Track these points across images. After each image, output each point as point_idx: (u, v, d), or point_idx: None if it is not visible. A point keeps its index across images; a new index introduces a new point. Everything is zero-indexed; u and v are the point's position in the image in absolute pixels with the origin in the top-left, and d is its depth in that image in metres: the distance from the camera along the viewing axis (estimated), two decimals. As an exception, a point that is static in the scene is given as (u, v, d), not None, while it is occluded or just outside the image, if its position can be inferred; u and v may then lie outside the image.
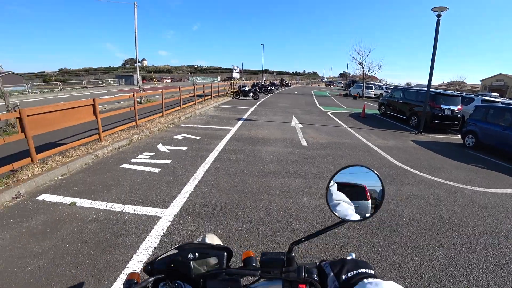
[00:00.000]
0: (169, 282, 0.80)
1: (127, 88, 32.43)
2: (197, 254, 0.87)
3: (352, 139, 9.18)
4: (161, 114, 10.56)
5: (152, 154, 6.11)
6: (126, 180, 4.62)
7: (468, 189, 5.24)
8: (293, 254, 0.78)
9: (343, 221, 0.80)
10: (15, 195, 4.01)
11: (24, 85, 32.38)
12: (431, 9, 10.25)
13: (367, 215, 0.83)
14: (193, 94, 15.25)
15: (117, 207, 3.70)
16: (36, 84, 46.71)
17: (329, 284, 0.68)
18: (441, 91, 12.77)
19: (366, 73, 32.48)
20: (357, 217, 0.82)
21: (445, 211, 4.22)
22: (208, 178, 4.87)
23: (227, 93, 22.51)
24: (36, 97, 22.17)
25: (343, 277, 0.66)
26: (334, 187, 0.88)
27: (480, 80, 62.05)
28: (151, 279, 0.80)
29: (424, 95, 12.57)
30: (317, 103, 21.97)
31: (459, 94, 13.20)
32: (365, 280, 0.61)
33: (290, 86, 53.26)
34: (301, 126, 10.84)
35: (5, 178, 4.27)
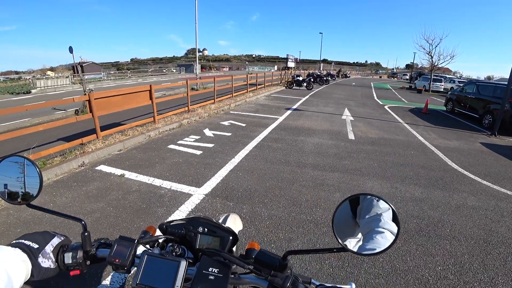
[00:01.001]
0: (176, 245, 0.89)
1: (187, 76, 34.58)
2: (206, 230, 0.95)
3: (407, 136, 8.46)
4: (212, 101, 11.04)
5: (198, 137, 6.48)
6: (169, 159, 5.01)
7: (541, 203, 4.46)
8: (287, 261, 0.78)
9: (343, 248, 0.73)
10: (80, 164, 4.68)
11: (101, 73, 37.05)
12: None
13: (374, 251, 0.71)
14: (245, 83, 15.56)
15: (157, 182, 4.06)
16: (112, 72, 52.48)
17: None
18: None
19: (435, 64, 29.00)
20: (361, 249, 0.73)
21: (505, 229, 3.58)
22: (244, 164, 5.01)
23: (280, 83, 22.43)
24: (110, 83, 25.11)
25: None
26: (343, 210, 0.79)
27: None
28: (162, 237, 0.90)
29: (503, 90, 10.95)
30: (375, 95, 20.58)
31: None
32: None
33: (349, 77, 50.73)
34: (352, 118, 10.33)
35: (75, 150, 5.00)
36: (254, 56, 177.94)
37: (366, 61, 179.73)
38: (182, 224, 0.97)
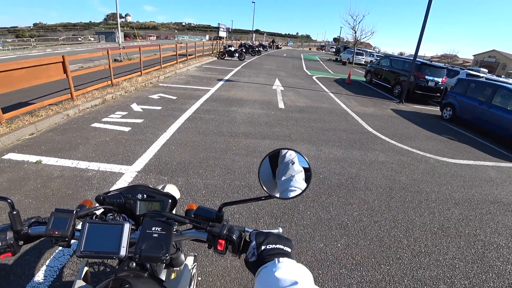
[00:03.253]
0: (116, 214, 0.91)
1: (108, 46, 30.83)
2: (145, 196, 0.99)
3: (332, 104, 9.28)
4: (139, 73, 10.28)
5: (124, 113, 6.09)
6: (94, 139, 4.66)
7: (432, 158, 5.49)
8: (222, 213, 0.86)
9: (270, 196, 0.84)
10: (-20, 153, 4.01)
11: (-5, 40, 30.24)
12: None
13: (292, 194, 0.85)
14: (175, 53, 14.74)
15: (83, 164, 3.78)
16: (9, 40, 43.64)
17: (249, 250, 0.74)
18: (428, 61, 12.66)
19: (358, 39, 31.62)
20: (284, 194, 0.86)
21: (405, 177, 4.44)
22: (176, 137, 4.96)
23: (212, 53, 21.83)
24: (7, 54, 20.94)
25: (262, 247, 0.72)
26: (266, 165, 0.92)
27: (473, 55, 61.49)
28: (100, 207, 0.91)
29: (409, 64, 12.47)
30: (304, 67, 21.67)
31: (445, 66, 13.17)
32: (280, 259, 0.67)
33: (281, 48, 51.76)
34: (282, 88, 10.82)
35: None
36: (184, 24, 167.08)
37: (297, 33, 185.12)
38: (120, 193, 0.99)
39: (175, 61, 14.36)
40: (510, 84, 9.42)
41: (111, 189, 1.06)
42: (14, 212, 0.75)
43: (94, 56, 13.09)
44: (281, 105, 8.18)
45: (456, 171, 5.01)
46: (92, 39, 43.22)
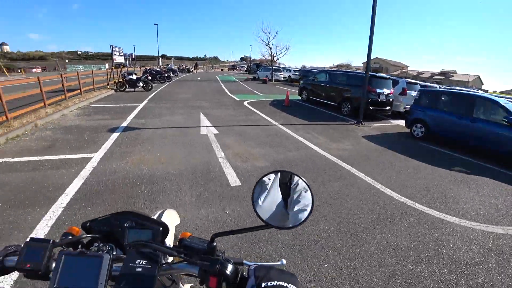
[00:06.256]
0: (101, 244, 0.79)
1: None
2: (134, 223, 0.90)
3: (298, 148, 6.16)
4: None
5: None
6: None
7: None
8: (214, 244, 0.78)
9: (267, 225, 0.76)
10: None
11: None
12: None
13: (291, 224, 0.76)
14: (53, 88, 9.69)
15: None
16: None
17: (248, 286, 0.68)
18: (374, 73, 11.12)
19: (274, 55, 30.49)
20: (282, 223, 0.77)
21: None
22: None
23: (108, 85, 16.69)
24: None
25: (263, 284, 0.65)
26: (262, 188, 0.82)
27: (362, 63, 71.52)
28: (86, 236, 0.83)
29: (355, 78, 11.06)
30: (226, 90, 18.50)
31: (389, 77, 11.82)
32: None
33: (192, 71, 48.00)
34: (216, 131, 7.20)
35: None
36: (80, 53, 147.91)
37: (205, 56, 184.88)
38: (108, 219, 0.91)
39: (42, 103, 9.35)
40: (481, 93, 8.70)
41: (98, 217, 0.89)
42: None
43: None
44: (230, 175, 4.54)
45: None
46: None
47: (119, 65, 19.81)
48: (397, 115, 11.48)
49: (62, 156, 5.11)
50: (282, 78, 30.53)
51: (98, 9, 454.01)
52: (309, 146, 6.36)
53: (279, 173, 0.82)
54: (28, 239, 0.68)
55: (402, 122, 10.16)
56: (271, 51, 30.44)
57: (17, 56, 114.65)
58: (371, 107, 10.20)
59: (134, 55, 61.65)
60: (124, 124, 7.66)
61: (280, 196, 0.79)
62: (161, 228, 0.90)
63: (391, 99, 10.74)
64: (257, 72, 32.93)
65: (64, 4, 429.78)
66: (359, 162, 5.51)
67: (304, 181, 0.79)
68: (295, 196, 0.79)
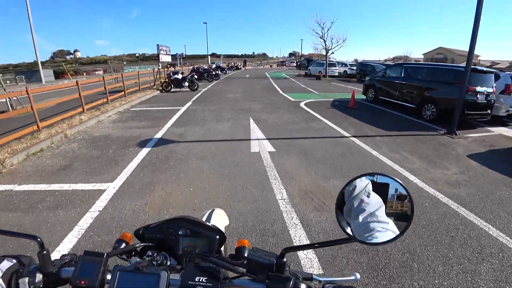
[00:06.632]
0: (155, 252, 0.75)
1: (22, 88, 23.91)
2: (188, 231, 0.83)
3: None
4: None
5: None
6: None
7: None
8: (285, 259, 0.66)
9: (350, 238, 0.62)
10: None
11: None
12: None
13: (386, 238, 0.59)
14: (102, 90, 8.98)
15: None
16: None
17: None
18: (474, 67, 8.23)
19: (329, 48, 27.66)
20: (370, 238, 0.60)
21: None
22: None
23: (154, 85, 16.02)
24: None
25: None
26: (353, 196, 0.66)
27: (423, 54, 62.23)
28: (139, 245, 0.78)
29: (444, 73, 8.33)
30: (278, 88, 16.62)
31: (492, 71, 8.76)
32: None
33: (240, 68, 47.00)
34: (272, 149, 5.39)
35: None
36: (137, 55, 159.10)
37: (253, 52, 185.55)
38: (160, 227, 0.84)
39: (81, 109, 8.57)
40: None
41: (151, 224, 0.81)
42: (44, 252, 0.66)
43: None
44: (295, 231, 2.73)
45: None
46: (9, 82, 34.92)
47: (172, 65, 19.20)
48: (494, 120, 8.42)
49: (71, 186, 3.80)
50: (337, 74, 27.60)
51: (154, 14, 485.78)
52: (405, 177, 4.22)
53: (373, 177, 0.64)
54: (83, 252, 0.64)
55: (505, 131, 7.45)
56: (325, 44, 27.62)
57: (86, 61, 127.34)
58: (467, 111, 7.48)
59: (185, 54, 63.26)
60: (159, 135, 6.28)
61: (371, 205, 0.63)
62: (217, 236, 0.83)
63: (492, 100, 7.84)
64: (309, 68, 30.39)
65: (125, 13, 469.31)
66: (491, 210, 3.28)
67: (403, 186, 0.61)
68: (390, 205, 0.63)
